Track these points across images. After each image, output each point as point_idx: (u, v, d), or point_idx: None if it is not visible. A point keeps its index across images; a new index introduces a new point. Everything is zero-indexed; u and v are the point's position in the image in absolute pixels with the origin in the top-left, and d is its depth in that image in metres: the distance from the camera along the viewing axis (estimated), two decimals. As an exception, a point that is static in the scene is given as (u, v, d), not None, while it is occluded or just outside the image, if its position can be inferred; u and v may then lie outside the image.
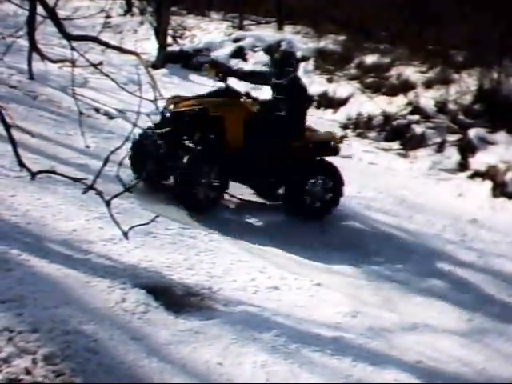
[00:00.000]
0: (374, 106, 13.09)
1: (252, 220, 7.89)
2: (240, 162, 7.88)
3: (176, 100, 8.10)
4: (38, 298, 5.01)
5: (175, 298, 5.60)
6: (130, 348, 4.69)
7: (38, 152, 8.10)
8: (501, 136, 11.35)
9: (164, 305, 5.39)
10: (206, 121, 7.86)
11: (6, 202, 6.68)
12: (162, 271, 5.95)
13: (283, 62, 8.32)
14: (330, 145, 8.43)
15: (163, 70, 15.43)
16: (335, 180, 8.24)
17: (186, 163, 7.54)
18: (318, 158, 8.32)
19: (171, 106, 7.97)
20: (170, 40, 16.99)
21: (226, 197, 8.11)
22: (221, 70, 8.78)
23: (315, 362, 4.99)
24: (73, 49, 3.82)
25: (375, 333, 5.63)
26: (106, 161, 3.59)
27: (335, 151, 8.48)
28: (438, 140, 11.81)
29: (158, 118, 7.75)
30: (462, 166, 11.07)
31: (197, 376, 4.60)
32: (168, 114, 7.89)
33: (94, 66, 4.09)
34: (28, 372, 4.25)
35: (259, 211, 8.07)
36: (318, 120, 12.85)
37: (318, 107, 14.18)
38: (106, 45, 4.17)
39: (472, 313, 6.43)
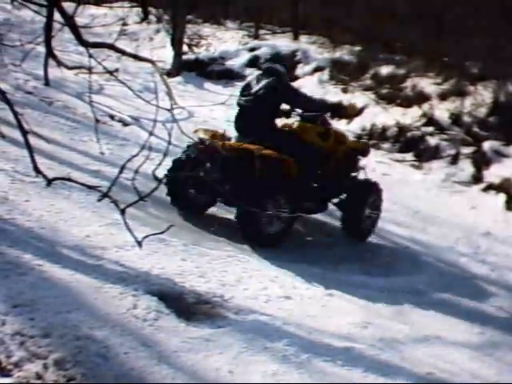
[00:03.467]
0: (389, 117, 13.08)
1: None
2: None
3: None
4: (50, 303, 5.03)
5: (186, 306, 5.60)
6: (140, 354, 4.69)
7: (53, 158, 8.15)
8: (515, 149, 11.33)
9: (175, 312, 5.39)
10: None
11: (20, 207, 6.72)
12: (174, 278, 5.95)
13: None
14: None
15: (178, 78, 15.49)
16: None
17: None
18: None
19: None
20: (185, 48, 17.04)
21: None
22: None
23: (326, 372, 4.98)
24: (90, 56, 3.84)
25: (386, 344, 5.61)
26: (122, 169, 3.60)
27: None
28: (453, 152, 11.79)
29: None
30: (476, 179, 11.04)
31: (207, 384, 4.60)
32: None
33: (110, 73, 4.12)
34: (39, 376, 4.26)
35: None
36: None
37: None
38: (122, 52, 4.20)
39: (484, 326, 6.39)
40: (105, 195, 3.67)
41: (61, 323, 4.79)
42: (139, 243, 3.66)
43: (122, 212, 3.61)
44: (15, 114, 3.94)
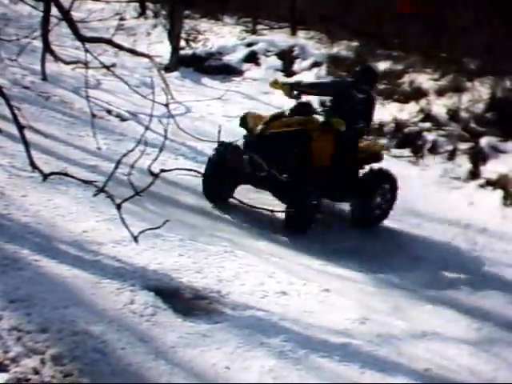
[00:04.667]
0: (386, 112, 13.06)
1: (263, 225, 7.89)
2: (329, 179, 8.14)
3: (262, 120, 8.14)
4: (47, 298, 5.03)
5: (183, 301, 5.60)
6: (137, 350, 4.70)
7: (50, 153, 8.14)
8: (513, 145, 11.32)
9: (172, 307, 5.39)
10: (302, 141, 7.96)
11: (16, 202, 6.71)
12: (171, 274, 5.95)
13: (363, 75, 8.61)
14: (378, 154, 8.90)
15: (176, 73, 15.44)
16: (392, 185, 8.76)
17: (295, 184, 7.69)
18: (379, 168, 8.75)
19: (260, 127, 7.99)
20: (183, 43, 17.00)
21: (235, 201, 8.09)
22: (292, 88, 8.68)
23: (323, 368, 4.98)
24: (86, 51, 3.84)
25: (384, 340, 5.61)
26: (118, 163, 3.60)
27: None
28: (450, 148, 11.78)
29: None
30: (473, 175, 11.02)
31: (204, 379, 4.60)
32: (258, 135, 7.97)
33: (107, 68, 4.12)
34: (36, 372, 4.26)
35: (269, 217, 8.06)
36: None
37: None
38: (120, 47, 4.20)
39: (481, 322, 6.40)
40: (101, 190, 3.67)
41: (58, 318, 4.79)
42: (135, 238, 3.67)
43: (118, 207, 3.61)
44: (11, 108, 3.93)
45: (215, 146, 7.87)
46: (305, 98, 8.60)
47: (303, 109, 8.28)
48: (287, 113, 8.27)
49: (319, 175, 7.93)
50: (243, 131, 8.18)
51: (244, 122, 8.26)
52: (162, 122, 3.80)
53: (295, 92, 8.52)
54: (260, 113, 8.60)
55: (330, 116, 8.25)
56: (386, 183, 8.73)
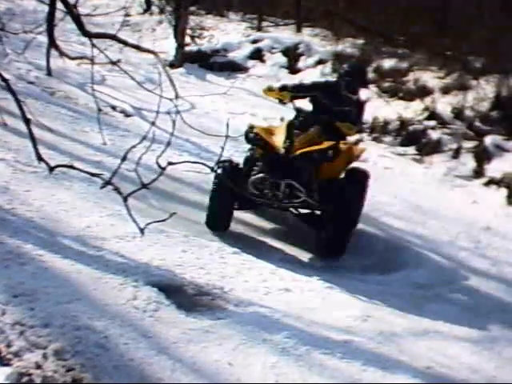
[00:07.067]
0: (391, 110, 13.05)
1: (264, 222, 7.89)
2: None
3: (274, 134, 7.34)
4: (50, 293, 5.04)
5: (186, 297, 5.61)
6: (140, 345, 4.71)
7: (54, 148, 8.16)
8: (517, 144, 11.31)
9: (175, 303, 5.40)
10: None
11: (20, 197, 6.72)
12: (174, 270, 5.96)
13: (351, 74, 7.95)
14: None
15: (180, 70, 15.46)
16: None
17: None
18: None
19: (283, 146, 7.08)
20: (188, 40, 17.01)
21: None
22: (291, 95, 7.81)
23: (325, 364, 4.98)
24: (93, 45, 3.84)
25: (386, 337, 5.61)
26: (124, 158, 3.61)
27: None
28: (454, 146, 11.78)
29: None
30: (478, 173, 11.02)
31: (206, 375, 4.61)
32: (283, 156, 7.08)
33: (113, 63, 4.13)
34: (38, 366, 4.27)
35: (270, 214, 8.07)
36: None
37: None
38: (125, 43, 4.21)
39: (483, 320, 6.39)
40: (107, 183, 3.67)
41: (61, 313, 4.80)
42: (142, 230, 3.68)
43: (125, 199, 3.62)
44: (18, 101, 3.94)
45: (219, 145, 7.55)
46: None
47: (311, 119, 7.65)
48: (297, 123, 7.55)
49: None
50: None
51: (251, 136, 7.43)
52: (170, 115, 3.80)
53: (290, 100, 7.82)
54: (265, 124, 8.25)
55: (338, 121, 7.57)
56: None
